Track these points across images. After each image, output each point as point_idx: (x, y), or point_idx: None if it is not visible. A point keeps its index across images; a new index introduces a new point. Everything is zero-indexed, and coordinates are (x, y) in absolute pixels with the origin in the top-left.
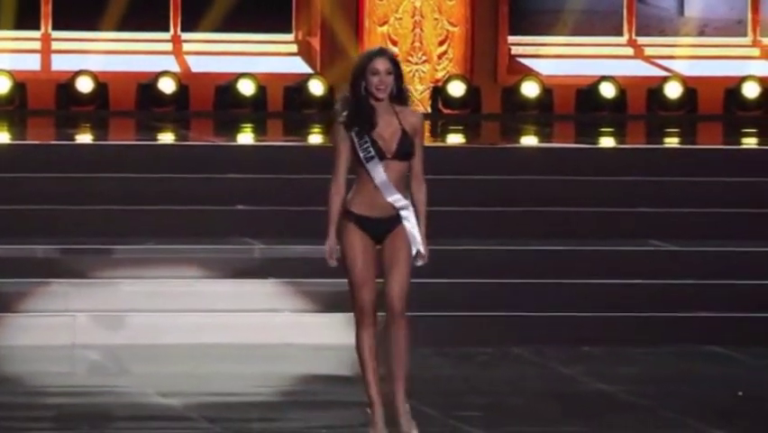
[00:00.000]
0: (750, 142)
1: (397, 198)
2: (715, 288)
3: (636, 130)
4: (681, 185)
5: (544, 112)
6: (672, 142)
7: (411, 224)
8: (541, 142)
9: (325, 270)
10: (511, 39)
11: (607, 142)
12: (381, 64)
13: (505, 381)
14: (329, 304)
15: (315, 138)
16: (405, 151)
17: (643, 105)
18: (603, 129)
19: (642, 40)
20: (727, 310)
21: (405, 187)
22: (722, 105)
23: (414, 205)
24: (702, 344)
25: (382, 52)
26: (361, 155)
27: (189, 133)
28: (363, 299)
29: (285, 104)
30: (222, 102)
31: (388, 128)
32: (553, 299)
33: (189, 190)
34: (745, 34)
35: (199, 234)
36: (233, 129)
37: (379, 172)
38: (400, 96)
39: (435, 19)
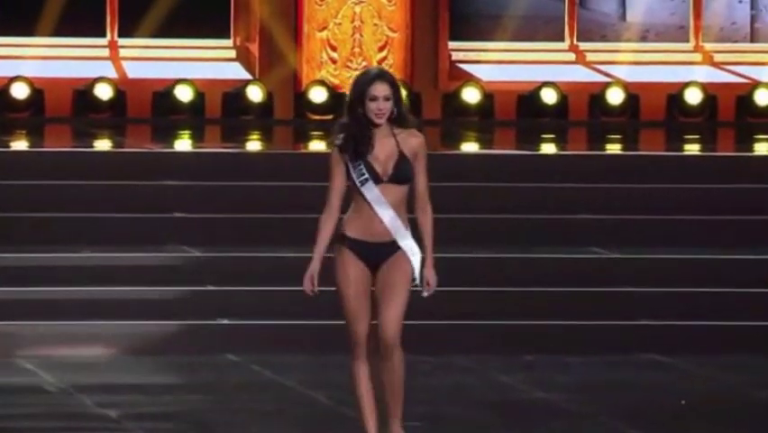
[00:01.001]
0: (692, 149)
1: (392, 218)
2: (656, 295)
3: (578, 136)
4: (622, 192)
5: (484, 118)
6: (613, 148)
7: (410, 251)
8: (482, 148)
9: (264, 277)
10: (452, 44)
11: (548, 148)
12: (380, 90)
13: (445, 389)
14: (269, 312)
15: (254, 145)
16: (402, 174)
17: (584, 111)
18: (544, 135)
19: (583, 45)
20: (669, 318)
21: (404, 213)
22: (664, 111)
23: (417, 230)
24: (644, 352)
25: (381, 76)
26: (355, 178)
27: (126, 140)
28: (357, 332)
29: (223, 110)
30: (159, 108)
31: (383, 151)
32: (493, 308)
33: (126, 198)
34: (687, 40)
35: (136, 241)
36: (171, 135)
37: (373, 193)
38: (400, 119)
39: (375, 24)
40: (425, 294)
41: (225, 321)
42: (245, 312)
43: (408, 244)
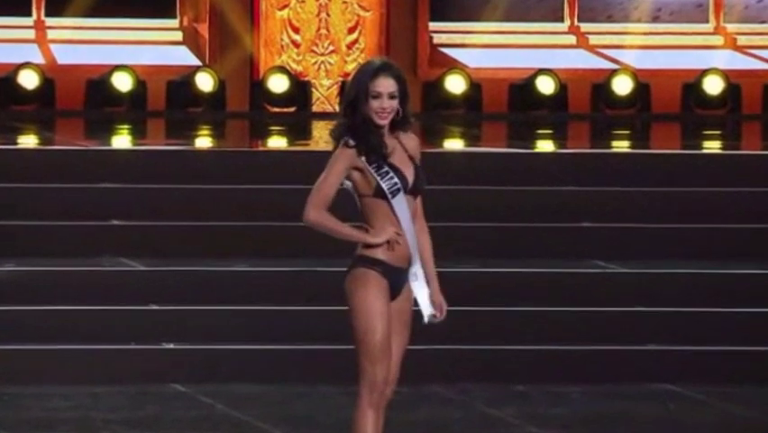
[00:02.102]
0: (712, 146)
1: (413, 237)
2: (668, 316)
3: (579, 132)
4: (630, 196)
5: (471, 111)
6: (620, 145)
7: (420, 283)
8: (467, 146)
9: (217, 295)
10: (433, 25)
11: (544, 145)
12: (384, 85)
13: (424, 424)
14: (223, 335)
15: (204, 141)
16: (421, 185)
17: (587, 103)
18: (540, 131)
19: (586, 26)
20: (681, 342)
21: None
22: (679, 103)
23: (419, 252)
24: (652, 381)
25: (385, 69)
26: (385, 187)
27: (55, 136)
28: (381, 375)
29: (168, 101)
30: (94, 99)
31: (397, 157)
32: (478, 330)
33: (55, 203)
34: (706, 20)
35: (67, 253)
36: (107, 131)
37: (404, 210)
38: (403, 123)
39: (344, 2)
40: (436, 320)
41: (171, 345)
42: (194, 335)
43: (417, 270)
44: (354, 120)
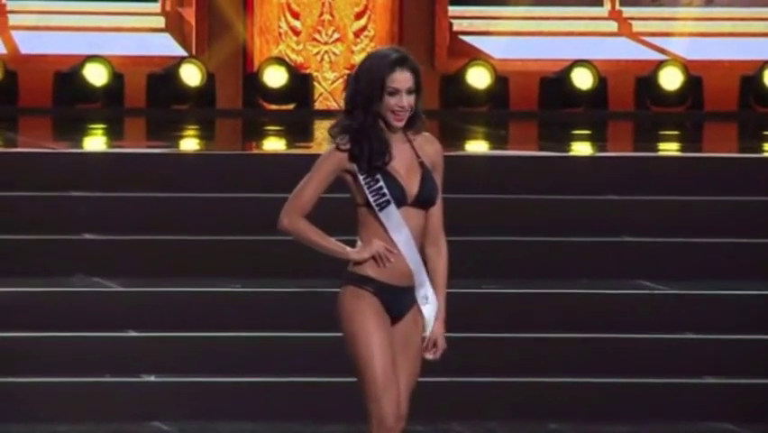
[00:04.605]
0: None
1: (414, 253)
2: (723, 344)
3: (621, 132)
4: (678, 207)
5: (496, 108)
6: (669, 148)
7: (430, 307)
8: (492, 148)
9: (203, 319)
10: (452, 10)
11: (581, 148)
12: (402, 80)
13: None
14: (210, 366)
15: (190, 143)
16: (428, 195)
17: (630, 99)
18: (576, 131)
19: (629, 11)
20: (738, 375)
21: (420, 248)
22: (736, 99)
23: (429, 274)
24: (705, 420)
25: (403, 61)
26: (371, 199)
27: (18, 137)
28: (386, 410)
29: (149, 97)
30: (63, 94)
31: (403, 163)
32: (505, 359)
33: (19, 214)
34: (766, 4)
35: (33, 272)
36: (79, 131)
37: (396, 224)
38: (415, 120)
39: None
40: (430, 357)
41: (152, 378)
42: (179, 366)
43: (427, 292)
44: (364, 120)
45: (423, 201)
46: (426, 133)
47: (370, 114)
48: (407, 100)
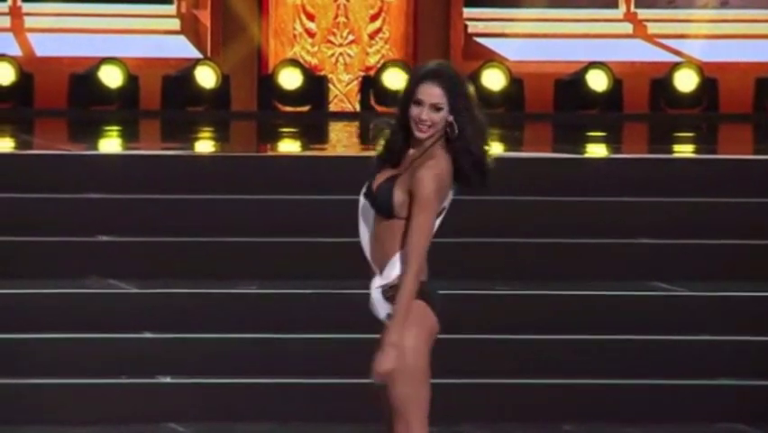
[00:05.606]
0: None
1: (370, 253)
2: (741, 346)
3: (636, 134)
4: (695, 208)
5: (511, 110)
6: (684, 150)
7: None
8: (506, 150)
9: (220, 321)
10: (468, 12)
11: (596, 150)
12: (428, 94)
13: None
14: (227, 368)
15: (205, 145)
16: (379, 200)
17: (645, 101)
18: (591, 133)
19: (644, 13)
20: (755, 377)
21: (390, 259)
22: (752, 101)
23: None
24: (722, 421)
25: (432, 75)
26: (364, 188)
27: (34, 139)
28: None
29: (164, 99)
30: (78, 96)
31: (391, 169)
32: (519, 361)
33: (34, 216)
34: None
35: (48, 274)
36: (94, 133)
37: (362, 215)
38: (456, 147)
39: None
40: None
41: (168, 379)
42: (194, 368)
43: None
44: (403, 121)
45: (374, 204)
46: (432, 162)
47: (404, 118)
48: (430, 115)
